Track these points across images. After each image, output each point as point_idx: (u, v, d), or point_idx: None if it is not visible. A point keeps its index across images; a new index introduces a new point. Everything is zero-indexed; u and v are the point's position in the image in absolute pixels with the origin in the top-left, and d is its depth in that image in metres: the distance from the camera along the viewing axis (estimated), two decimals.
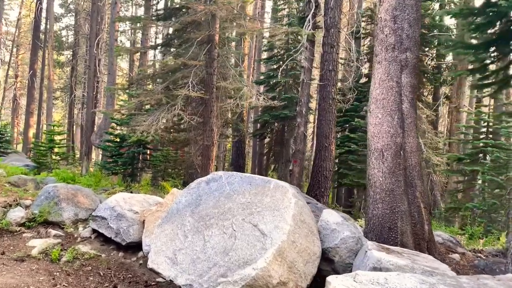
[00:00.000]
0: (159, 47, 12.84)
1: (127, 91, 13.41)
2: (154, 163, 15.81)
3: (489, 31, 5.91)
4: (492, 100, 16.74)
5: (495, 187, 12.83)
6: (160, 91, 10.41)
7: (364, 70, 18.60)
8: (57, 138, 17.73)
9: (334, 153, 15.92)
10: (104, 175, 13.92)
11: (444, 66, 25.60)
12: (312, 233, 5.12)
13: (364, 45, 23.99)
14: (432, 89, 25.10)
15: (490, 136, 14.05)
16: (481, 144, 14.10)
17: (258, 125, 27.70)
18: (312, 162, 27.47)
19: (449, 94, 25.29)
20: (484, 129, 14.32)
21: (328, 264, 5.34)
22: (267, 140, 28.10)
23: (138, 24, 12.26)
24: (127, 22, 19.59)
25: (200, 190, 5.81)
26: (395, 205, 6.24)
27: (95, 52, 21.96)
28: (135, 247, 7.10)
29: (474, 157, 14.24)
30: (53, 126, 17.17)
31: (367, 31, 19.55)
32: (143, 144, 14.67)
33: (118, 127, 15.64)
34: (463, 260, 6.69)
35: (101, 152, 27.34)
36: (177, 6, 11.21)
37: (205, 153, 11.95)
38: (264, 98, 10.68)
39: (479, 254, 7.76)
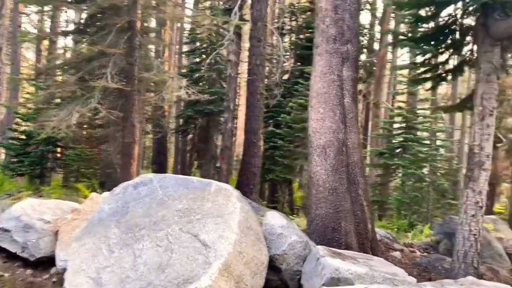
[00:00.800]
0: (71, 34, 11.48)
1: (34, 82, 11.88)
2: (67, 163, 14.35)
3: (430, 24, 5.81)
4: (406, 97, 17.56)
5: (416, 180, 13.34)
6: (73, 82, 9.25)
7: (287, 66, 18.53)
8: None
9: (262, 149, 15.63)
10: (7, 177, 12.30)
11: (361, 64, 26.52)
12: (259, 240, 4.60)
13: (285, 42, 24.01)
14: None
15: (408, 130, 14.59)
16: (401, 139, 14.62)
17: (181, 120, 26.65)
18: (237, 158, 27.09)
19: (365, 92, 26.30)
20: (404, 124, 14.84)
21: (275, 273, 4.86)
22: (190, 136, 27.18)
23: (47, 8, 10.85)
24: (33, 6, 17.59)
25: (127, 195, 5.03)
26: (338, 204, 5.95)
27: None
28: (47, 262, 6.06)
29: (394, 151, 14.73)
30: None
31: (290, 27, 19.46)
32: (53, 142, 13.21)
33: (24, 123, 13.95)
34: (404, 258, 6.61)
35: (4, 151, 24.58)
36: None
37: (126, 151, 10.95)
38: (193, 92, 9.94)
39: (412, 249, 7.81)
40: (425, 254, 7.38)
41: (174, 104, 27.82)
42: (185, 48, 29.59)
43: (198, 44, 24.55)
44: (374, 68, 27.75)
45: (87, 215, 5.79)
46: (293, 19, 22.94)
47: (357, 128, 6.33)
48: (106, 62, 9.44)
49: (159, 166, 25.36)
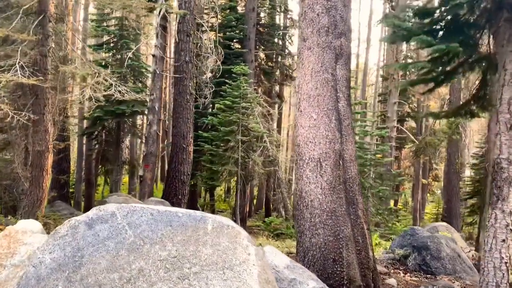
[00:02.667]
0: None
1: None
2: None
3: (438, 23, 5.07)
4: None
5: None
6: None
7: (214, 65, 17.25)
8: None
9: (192, 155, 14.18)
10: None
11: (284, 67, 26.20)
12: None
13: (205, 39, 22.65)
14: (269, 87, 25.42)
15: None
16: None
17: (85, 122, 23.80)
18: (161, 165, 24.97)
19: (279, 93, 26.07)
20: None
21: None
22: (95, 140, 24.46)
23: None
24: None
25: (78, 239, 3.46)
26: (338, 229, 4.93)
27: None
28: None
29: None
30: None
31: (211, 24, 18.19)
32: None
33: None
34: (400, 285, 5.80)
35: None
36: None
37: (37, 161, 8.85)
38: (127, 91, 8.23)
39: (405, 274, 7.07)
40: (425, 280, 6.65)
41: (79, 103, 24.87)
42: (91, 42, 26.70)
43: (105, 38, 22.18)
44: (291, 70, 27.66)
45: (4, 267, 4.06)
46: (212, 16, 21.73)
47: (353, 137, 5.38)
48: (13, 52, 7.40)
49: (61, 173, 22.40)
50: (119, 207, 3.66)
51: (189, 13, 13.22)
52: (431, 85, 5.62)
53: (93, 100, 7.99)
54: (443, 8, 5.19)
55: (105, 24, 21.84)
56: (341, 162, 5.12)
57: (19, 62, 7.19)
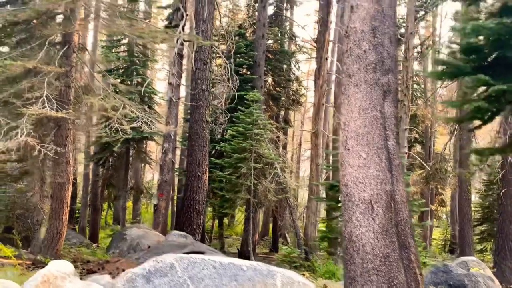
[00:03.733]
0: None
1: None
2: None
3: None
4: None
5: None
6: None
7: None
8: None
9: (207, 183, 13.96)
10: None
11: (291, 92, 26.23)
12: None
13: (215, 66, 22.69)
14: (277, 112, 25.36)
15: None
16: None
17: (92, 147, 23.60)
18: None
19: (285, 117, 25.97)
20: None
21: None
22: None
23: None
24: None
25: None
26: (392, 275, 4.69)
27: None
28: None
29: None
30: None
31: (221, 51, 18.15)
32: None
33: None
34: None
35: None
36: None
37: (57, 193, 8.65)
38: (151, 121, 8.05)
39: None
40: None
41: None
42: (99, 68, 26.76)
43: (113, 64, 22.22)
44: (297, 95, 27.69)
45: None
46: (222, 42, 21.85)
47: (404, 177, 5.19)
48: (39, 83, 7.27)
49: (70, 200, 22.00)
50: (178, 258, 3.43)
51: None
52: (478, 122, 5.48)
53: (120, 132, 7.84)
54: (491, 46, 5.08)
55: (113, 50, 21.94)
56: (392, 204, 4.92)
57: (47, 94, 7.05)
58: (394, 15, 5.36)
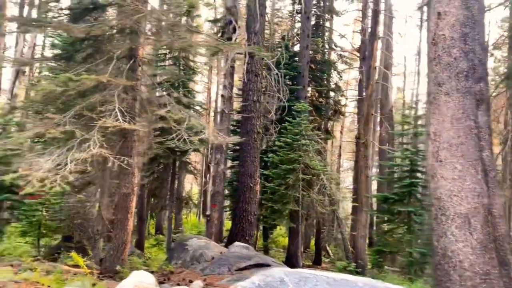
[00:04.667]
0: (53, 61, 9.22)
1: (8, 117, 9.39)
2: (25, 214, 11.69)
3: None
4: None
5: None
6: (68, 120, 7.11)
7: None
8: None
9: (258, 194, 13.91)
10: None
11: (332, 102, 25.98)
12: None
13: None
14: (320, 123, 25.12)
15: (417, 174, 13.64)
16: (407, 183, 13.59)
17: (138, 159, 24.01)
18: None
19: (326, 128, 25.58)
20: (409, 167, 13.87)
21: None
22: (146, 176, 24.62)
23: (33, 28, 8.63)
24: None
25: None
26: None
27: None
28: None
29: (402, 196, 13.63)
30: None
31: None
32: (10, 188, 10.66)
33: None
34: None
35: None
36: (93, 4, 8.04)
37: (122, 204, 8.78)
38: (217, 133, 8.10)
39: None
40: None
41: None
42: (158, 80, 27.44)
43: (158, 78, 22.66)
44: (339, 105, 27.38)
45: None
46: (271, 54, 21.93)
47: (500, 191, 4.94)
48: (110, 96, 7.43)
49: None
50: (288, 273, 3.34)
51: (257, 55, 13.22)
52: None
53: (188, 143, 7.91)
54: None
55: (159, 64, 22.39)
56: (489, 218, 4.67)
57: (119, 107, 7.19)
58: (483, 21, 5.16)
